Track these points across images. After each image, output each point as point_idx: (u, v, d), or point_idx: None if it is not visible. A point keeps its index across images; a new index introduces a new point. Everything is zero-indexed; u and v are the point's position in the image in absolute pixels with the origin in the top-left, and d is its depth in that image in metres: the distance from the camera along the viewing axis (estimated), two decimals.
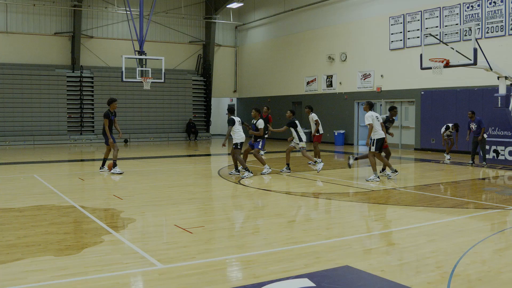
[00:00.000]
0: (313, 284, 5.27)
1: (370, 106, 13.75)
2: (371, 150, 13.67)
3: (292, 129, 15.20)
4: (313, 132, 17.39)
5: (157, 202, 10.49)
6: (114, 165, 14.93)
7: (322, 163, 15.89)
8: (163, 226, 8.46)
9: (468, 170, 16.06)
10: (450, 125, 18.85)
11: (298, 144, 15.13)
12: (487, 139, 17.47)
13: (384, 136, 13.80)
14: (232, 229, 8.18)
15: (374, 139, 13.56)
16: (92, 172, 16.56)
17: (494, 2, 20.73)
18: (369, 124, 13.45)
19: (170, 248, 6.81)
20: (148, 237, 7.52)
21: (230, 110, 14.68)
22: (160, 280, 5.52)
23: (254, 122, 14.98)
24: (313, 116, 17.35)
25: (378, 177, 13.55)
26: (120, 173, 14.78)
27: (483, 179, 14.50)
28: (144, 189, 12.28)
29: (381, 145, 13.67)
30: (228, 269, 6.08)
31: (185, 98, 34.90)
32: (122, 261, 6.18)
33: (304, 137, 15.21)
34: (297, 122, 15.11)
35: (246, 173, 14.04)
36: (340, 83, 28.72)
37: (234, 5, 35.22)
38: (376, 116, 13.65)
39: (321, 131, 17.45)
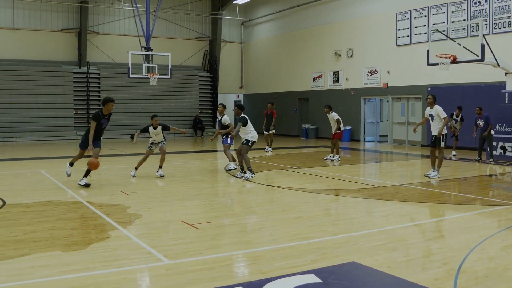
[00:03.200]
0: (319, 280, 5.27)
1: (436, 100, 13.50)
2: (442, 146, 13.39)
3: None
4: (333, 130, 17.54)
5: (164, 198, 10.50)
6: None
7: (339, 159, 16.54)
8: (170, 221, 8.47)
9: (475, 167, 16.01)
10: (454, 112, 18.75)
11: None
12: (494, 135, 17.41)
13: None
14: (238, 225, 8.18)
15: (444, 134, 13.32)
16: (99, 168, 16.57)
17: None
18: (445, 117, 13.19)
19: (177, 243, 6.82)
20: (154, 233, 7.53)
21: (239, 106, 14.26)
22: (167, 276, 5.53)
23: (219, 119, 14.88)
24: (334, 115, 17.60)
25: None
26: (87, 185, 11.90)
27: (490, 175, 14.45)
28: (151, 185, 12.29)
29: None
30: (234, 265, 6.09)
31: (192, 94, 34.91)
32: (129, 257, 6.19)
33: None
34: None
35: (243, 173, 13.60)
36: (346, 79, 28.66)
37: (241, 1, 35.15)
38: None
39: (342, 128, 17.63)
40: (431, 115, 13.47)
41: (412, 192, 11.36)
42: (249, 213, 9.17)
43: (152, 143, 14.03)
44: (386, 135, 27.19)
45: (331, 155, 17.75)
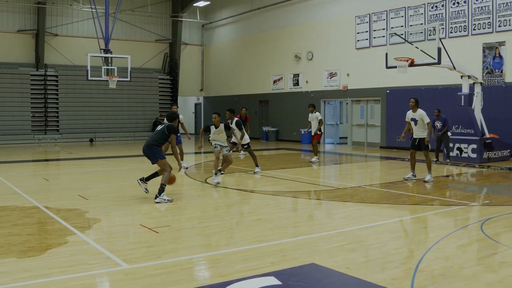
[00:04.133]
0: (279, 282, 5.28)
1: (418, 103, 13.33)
2: (429, 149, 13.32)
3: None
4: (315, 130, 17.70)
5: (123, 201, 10.38)
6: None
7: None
8: (129, 226, 8.38)
9: (432, 168, 16.25)
10: None
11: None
12: (451, 137, 17.75)
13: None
14: (198, 228, 8.14)
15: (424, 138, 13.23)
16: (57, 172, 16.34)
17: (458, 3, 21.07)
18: (428, 122, 13.08)
19: (136, 248, 6.76)
20: (113, 237, 7.45)
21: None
22: (126, 281, 5.47)
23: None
24: (318, 115, 17.87)
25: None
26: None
27: (447, 176, 14.70)
28: (110, 188, 12.16)
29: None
30: (194, 268, 6.06)
31: (151, 97, 34.66)
32: (87, 262, 6.10)
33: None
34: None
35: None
36: (306, 81, 28.84)
37: (201, 4, 35.09)
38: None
39: (322, 130, 17.92)
40: (413, 119, 13.27)
41: (371, 193, 11.49)
42: (209, 216, 9.13)
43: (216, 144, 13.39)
44: (346, 137, 27.45)
45: (316, 157, 17.98)
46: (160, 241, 7.12)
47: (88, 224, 8.17)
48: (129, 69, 25.02)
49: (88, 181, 13.42)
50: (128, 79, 25.45)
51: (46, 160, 20.95)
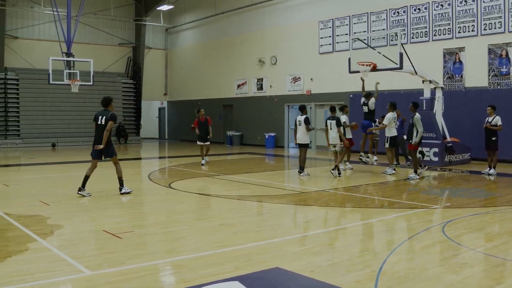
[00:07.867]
0: (244, 287, 5.27)
1: (393, 107, 15.68)
2: (386, 146, 15.57)
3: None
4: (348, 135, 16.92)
5: (86, 207, 10.25)
6: None
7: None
8: (92, 232, 8.26)
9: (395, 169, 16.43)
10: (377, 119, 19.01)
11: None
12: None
13: (396, 134, 15.74)
14: (162, 233, 8.07)
15: (388, 137, 15.51)
16: (18, 177, 16.03)
17: (419, 9, 21.40)
18: (384, 124, 15.56)
19: (99, 254, 6.67)
20: (75, 244, 7.32)
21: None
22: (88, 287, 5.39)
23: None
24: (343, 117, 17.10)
25: (394, 169, 15.61)
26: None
27: (408, 179, 14.87)
28: (72, 194, 11.96)
29: (394, 142, 15.72)
30: (157, 274, 6.00)
31: (115, 101, 33.84)
32: (48, 269, 5.99)
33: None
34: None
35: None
36: (270, 86, 28.94)
37: (165, 8, 34.96)
38: (394, 118, 15.65)
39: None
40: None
41: (335, 197, 11.57)
42: (173, 221, 9.07)
43: None
44: (310, 141, 27.56)
45: (347, 162, 17.57)
46: (123, 247, 7.04)
47: (49, 231, 8.03)
48: (91, 73, 24.76)
49: (50, 187, 13.21)
50: (91, 83, 25.20)
51: (7, 165, 20.52)
